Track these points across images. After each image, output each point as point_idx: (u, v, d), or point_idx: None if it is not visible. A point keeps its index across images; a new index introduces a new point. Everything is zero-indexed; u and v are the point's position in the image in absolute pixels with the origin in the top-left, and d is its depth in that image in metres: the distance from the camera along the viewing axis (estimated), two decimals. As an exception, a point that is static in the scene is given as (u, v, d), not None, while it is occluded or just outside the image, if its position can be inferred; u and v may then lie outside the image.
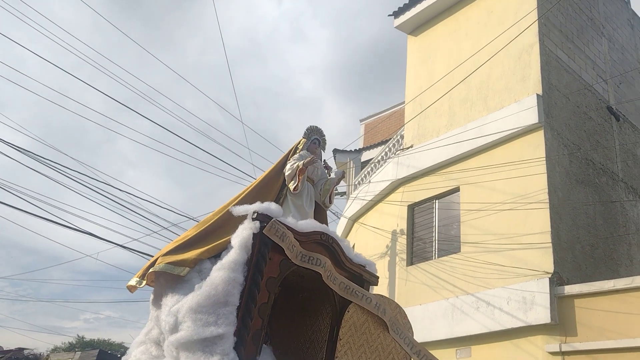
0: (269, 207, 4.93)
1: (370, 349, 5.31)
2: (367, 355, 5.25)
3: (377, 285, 5.99)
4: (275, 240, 4.72)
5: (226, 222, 5.12)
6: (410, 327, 5.69)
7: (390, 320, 5.41)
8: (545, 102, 10.52)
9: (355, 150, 19.77)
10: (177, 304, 4.52)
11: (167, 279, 4.84)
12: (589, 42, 12.61)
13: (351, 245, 5.64)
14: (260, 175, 6.25)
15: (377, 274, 5.89)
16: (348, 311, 5.23)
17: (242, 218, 4.81)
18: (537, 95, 10.48)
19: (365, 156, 19.16)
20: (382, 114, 21.70)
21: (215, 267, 4.59)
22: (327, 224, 6.43)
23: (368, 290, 5.55)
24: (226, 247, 4.84)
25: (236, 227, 4.78)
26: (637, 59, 14.29)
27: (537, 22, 11.05)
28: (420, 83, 13.30)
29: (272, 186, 5.91)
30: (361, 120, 22.43)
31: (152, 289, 5.11)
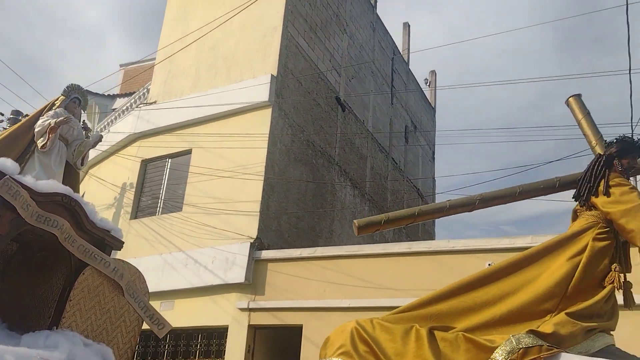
0: (4, 163, 4.78)
1: (102, 310, 5.48)
2: (97, 317, 5.44)
3: (120, 249, 6.13)
4: (7, 198, 4.63)
5: None
6: (147, 292, 5.98)
7: (127, 285, 5.66)
8: (278, 83, 11.44)
9: (110, 95, 19.05)
10: None
11: None
12: (331, 35, 13.94)
13: (81, 195, 5.64)
14: (11, 127, 5.94)
15: (123, 240, 6.03)
16: (83, 273, 5.36)
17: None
18: (272, 75, 11.35)
19: (118, 104, 18.60)
20: (145, 63, 21.17)
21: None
22: (78, 184, 6.32)
23: (110, 255, 5.71)
24: None
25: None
26: (372, 59, 16.19)
27: (284, 7, 11.88)
28: (172, 41, 13.35)
29: (20, 140, 5.73)
30: (121, 66, 21.60)
31: None
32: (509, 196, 3.85)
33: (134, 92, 18.10)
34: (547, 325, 2.92)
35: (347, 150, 14.13)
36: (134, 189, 12.30)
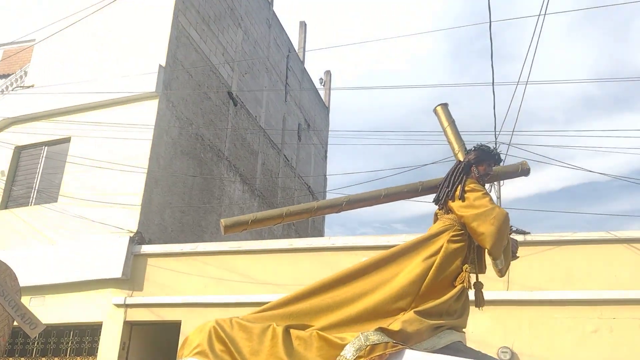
0: None
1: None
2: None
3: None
4: None
5: None
6: (19, 290, 5.65)
7: (-5, 283, 5.26)
8: (167, 74, 11.17)
9: (-16, 75, 17.65)
10: None
11: None
12: (225, 29, 13.81)
13: None
14: None
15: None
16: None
17: None
18: (160, 65, 11.05)
19: (-6, 85, 17.27)
20: (26, 43, 19.81)
21: None
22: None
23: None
24: None
25: None
26: (267, 55, 16.22)
27: (176, -3, 11.61)
28: (55, 21, 12.61)
29: None
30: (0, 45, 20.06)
31: None
32: (374, 199, 3.98)
33: (8, 74, 16.92)
34: (396, 323, 3.02)
35: (237, 146, 14.06)
36: (4, 177, 11.51)
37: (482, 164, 3.76)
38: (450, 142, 4.15)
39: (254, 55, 15.35)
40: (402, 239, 9.03)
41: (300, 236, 16.58)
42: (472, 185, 3.61)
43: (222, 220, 3.77)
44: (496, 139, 7.36)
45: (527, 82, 6.74)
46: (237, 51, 14.34)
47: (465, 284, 3.39)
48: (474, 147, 3.83)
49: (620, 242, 8.08)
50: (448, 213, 3.63)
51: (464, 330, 3.44)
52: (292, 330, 3.01)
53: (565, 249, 8.24)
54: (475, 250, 3.56)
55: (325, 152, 21.10)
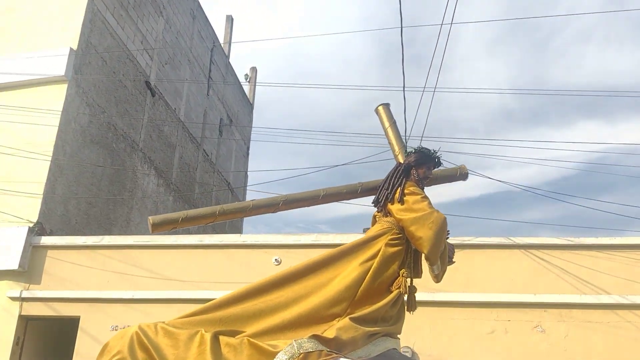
0: None
1: None
2: None
3: None
4: None
5: None
6: None
7: None
8: (78, 59, 10.67)
9: None
10: None
11: None
12: (145, 17, 13.37)
13: None
14: None
15: None
16: None
17: None
18: (71, 49, 10.54)
19: None
20: None
21: None
22: None
23: None
24: None
25: None
26: (189, 47, 15.86)
27: (93, -21, 11.11)
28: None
29: None
30: None
31: None
32: (312, 199, 3.87)
33: None
34: (330, 330, 2.91)
35: (154, 138, 13.65)
36: None
37: (422, 167, 3.70)
38: (391, 143, 4.09)
39: (176, 46, 14.97)
40: (312, 238, 9.07)
41: (217, 232, 16.33)
42: (411, 189, 3.54)
43: (150, 217, 3.57)
44: (406, 143, 7.47)
45: (434, 89, 6.90)
46: (157, 40, 13.92)
47: (401, 289, 3.31)
48: (414, 149, 3.77)
49: (518, 247, 8.45)
50: (387, 216, 3.55)
51: (398, 336, 3.36)
52: (221, 337, 2.83)
53: (466, 252, 8.50)
54: (412, 254, 3.50)
55: (248, 148, 20.91)
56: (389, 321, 3.24)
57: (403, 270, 3.35)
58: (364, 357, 2.98)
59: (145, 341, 2.77)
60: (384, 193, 3.58)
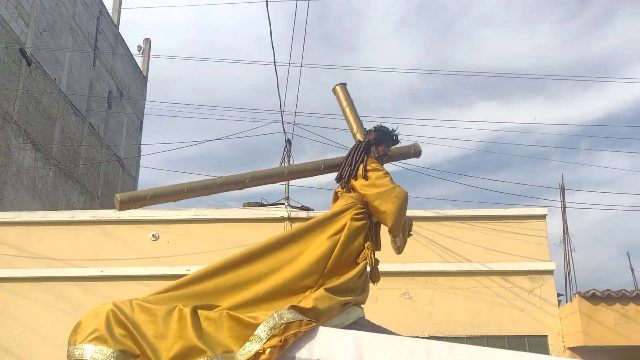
0: None
1: None
2: None
3: None
4: None
5: None
6: None
7: None
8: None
9: None
10: None
11: None
12: (19, -20, 12.52)
13: None
14: None
15: None
16: None
17: None
18: None
19: None
20: None
21: None
22: None
23: None
24: None
25: None
26: (72, 14, 15.03)
27: None
28: None
29: None
30: None
31: None
32: (277, 176, 3.97)
33: None
34: (307, 301, 3.00)
35: (30, 109, 12.91)
36: None
37: (381, 144, 3.83)
38: (349, 122, 4.17)
39: (56, 14, 14.15)
40: (191, 214, 9.03)
41: (101, 204, 15.83)
42: (373, 165, 3.68)
43: (117, 195, 3.43)
44: (282, 119, 7.61)
45: (301, 64, 7.00)
46: (34, 6, 13.10)
47: (367, 260, 3.43)
48: (373, 127, 3.91)
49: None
50: (350, 192, 3.68)
51: (362, 306, 3.50)
52: (200, 311, 2.84)
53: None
54: (374, 228, 3.65)
55: (141, 123, 20.28)
56: (357, 291, 3.38)
57: (368, 243, 3.48)
58: (339, 325, 3.11)
59: (122, 318, 2.72)
60: (347, 169, 3.70)
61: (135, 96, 19.61)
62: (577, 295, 7.90)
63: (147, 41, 21.07)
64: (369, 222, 3.59)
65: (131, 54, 19.44)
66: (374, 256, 3.55)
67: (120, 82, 18.27)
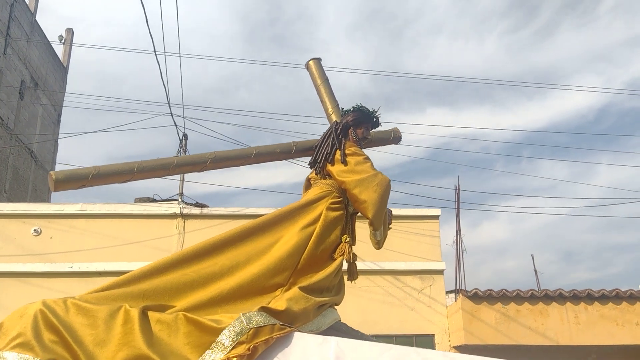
0: None
1: None
2: None
3: None
4: None
5: None
6: None
7: None
8: None
9: None
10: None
11: None
12: None
13: None
14: None
15: None
16: None
17: None
18: None
19: None
20: None
21: None
22: None
23: None
24: None
25: None
26: (-22, -2, 14.32)
27: None
28: None
29: None
30: None
31: None
32: (243, 157, 3.50)
33: None
34: (279, 301, 2.60)
35: None
36: None
37: (360, 127, 3.47)
38: (323, 101, 3.80)
39: (-42, -4, 13.42)
40: (78, 208, 8.69)
41: (9, 198, 15.14)
42: (352, 149, 3.31)
43: (51, 172, 2.93)
44: (171, 111, 7.40)
45: (179, 54, 6.82)
46: None
47: (345, 256, 3.06)
48: (352, 107, 3.52)
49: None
50: (325, 178, 3.30)
51: (336, 307, 3.13)
52: (150, 313, 2.38)
53: (238, 222, 8.66)
54: (350, 220, 3.28)
55: (59, 115, 19.53)
56: (332, 291, 3.02)
57: (346, 236, 3.13)
58: (314, 330, 2.72)
59: (54, 320, 2.26)
60: (323, 153, 3.32)
61: (52, 87, 18.87)
62: (460, 294, 8.01)
63: (70, 31, 20.35)
64: (346, 213, 3.24)
65: (50, 44, 18.71)
66: (352, 251, 3.17)
67: (36, 72, 17.54)
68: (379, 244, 3.38)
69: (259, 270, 2.78)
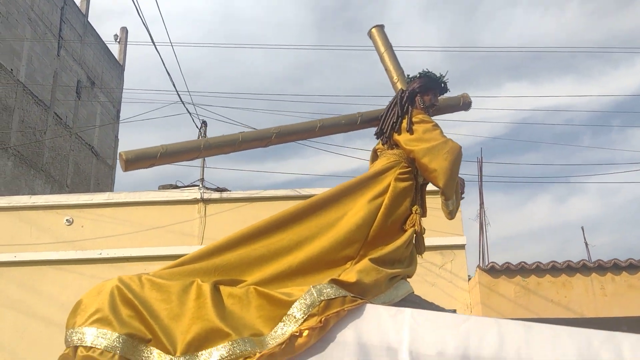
0: None
1: None
2: None
3: None
4: None
5: None
6: None
7: None
8: None
9: None
10: None
11: None
12: (-38, -28, 12.65)
13: None
14: None
15: None
16: None
17: None
18: None
19: None
20: None
21: None
22: None
23: None
24: None
25: None
26: (30, 5, 15.16)
27: None
28: None
29: None
30: None
31: None
32: (308, 131, 3.47)
33: None
34: (350, 274, 2.57)
35: (-18, 101, 13.12)
36: None
37: (427, 93, 3.35)
38: (387, 70, 3.68)
39: (10, 3, 14.29)
40: (105, 197, 9.07)
41: (71, 192, 16.05)
42: (420, 116, 3.21)
43: (121, 152, 3.01)
44: (180, 99, 7.57)
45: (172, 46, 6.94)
46: (-17, -3, 13.24)
47: (416, 227, 3.01)
48: (419, 73, 3.40)
49: (302, 198, 8.76)
50: (392, 148, 3.22)
51: (408, 280, 3.07)
52: (222, 287, 2.44)
53: (256, 205, 8.78)
54: (420, 190, 3.23)
55: (118, 112, 20.43)
56: (404, 262, 2.96)
57: (416, 207, 3.06)
58: (387, 302, 2.66)
59: (130, 296, 2.33)
60: (389, 123, 3.24)
61: (109, 85, 19.74)
62: (477, 269, 7.75)
63: (124, 30, 21.17)
64: (415, 183, 3.14)
65: (105, 44, 19.56)
66: (421, 223, 3.10)
67: (92, 71, 18.41)
68: (451, 214, 3.28)
69: (328, 243, 2.77)
